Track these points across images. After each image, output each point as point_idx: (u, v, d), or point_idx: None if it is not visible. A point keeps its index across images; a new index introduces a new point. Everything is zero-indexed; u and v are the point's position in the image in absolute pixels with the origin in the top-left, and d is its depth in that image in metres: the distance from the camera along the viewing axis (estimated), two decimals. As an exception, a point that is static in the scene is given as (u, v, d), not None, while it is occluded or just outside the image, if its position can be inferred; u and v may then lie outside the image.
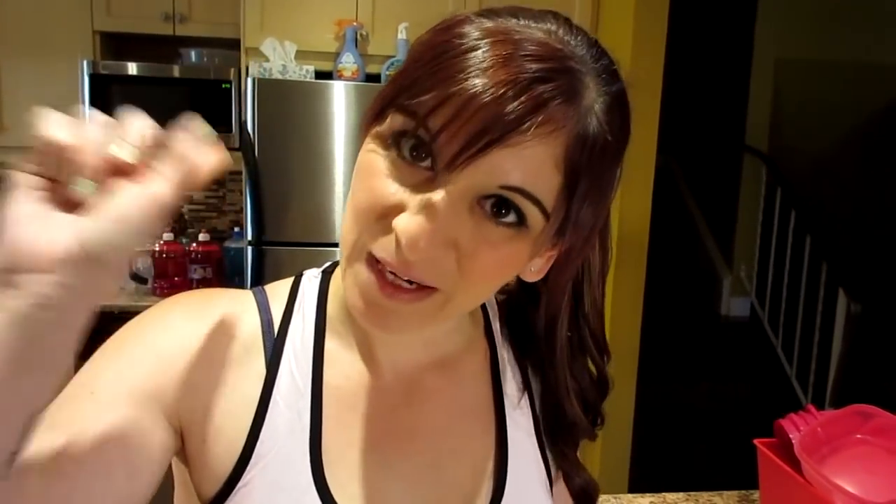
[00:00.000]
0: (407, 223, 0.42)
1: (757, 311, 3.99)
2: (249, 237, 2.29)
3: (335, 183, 2.31)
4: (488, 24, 0.45)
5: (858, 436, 0.86)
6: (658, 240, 2.43)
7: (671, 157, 4.57)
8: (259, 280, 2.28)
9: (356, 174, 0.47)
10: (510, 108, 0.40)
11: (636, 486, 2.36)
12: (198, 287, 2.61)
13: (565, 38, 0.45)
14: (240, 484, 0.50)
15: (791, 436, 0.88)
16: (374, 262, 0.45)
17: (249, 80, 2.22)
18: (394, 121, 0.45)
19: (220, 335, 0.53)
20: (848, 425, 0.87)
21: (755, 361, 3.80)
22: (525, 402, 0.60)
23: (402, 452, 0.55)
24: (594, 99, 0.44)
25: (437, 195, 0.42)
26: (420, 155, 0.44)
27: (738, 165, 4.05)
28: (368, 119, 0.48)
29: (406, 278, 0.45)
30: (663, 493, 1.16)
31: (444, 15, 0.49)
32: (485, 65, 0.41)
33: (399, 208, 0.43)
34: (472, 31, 0.44)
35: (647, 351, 2.39)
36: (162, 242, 2.59)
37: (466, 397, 0.59)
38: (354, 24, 2.40)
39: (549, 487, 0.60)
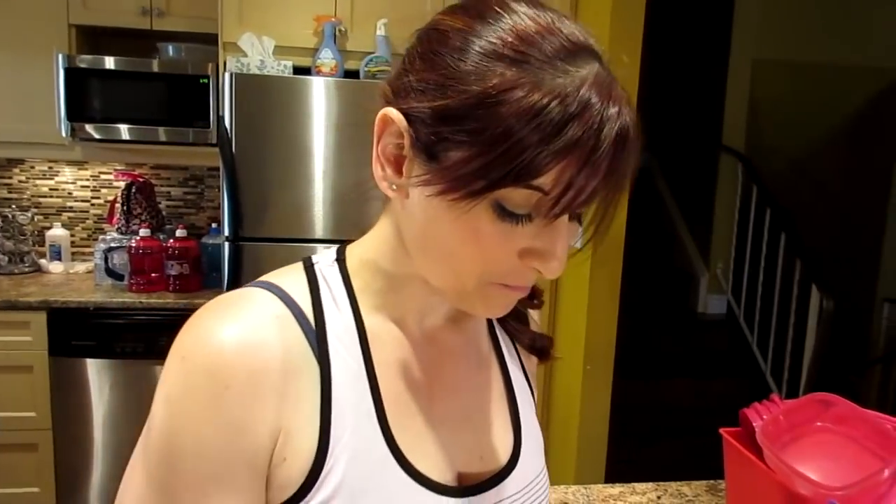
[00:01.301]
0: (548, 266, 0.50)
1: (733, 308, 4.04)
2: (227, 233, 2.28)
3: (313, 179, 2.31)
4: (573, 78, 0.46)
5: (819, 423, 0.88)
6: (636, 238, 2.45)
7: (649, 156, 4.61)
8: (236, 276, 2.27)
9: (461, 241, 0.50)
10: (626, 170, 0.47)
11: (612, 481, 2.38)
12: (175, 283, 2.60)
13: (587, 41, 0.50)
14: (322, 474, 0.52)
15: (754, 424, 0.90)
16: (507, 286, 0.53)
17: (227, 76, 2.21)
18: (514, 195, 0.47)
19: (279, 353, 0.52)
20: (809, 413, 0.89)
21: (731, 358, 3.85)
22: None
23: (443, 408, 0.61)
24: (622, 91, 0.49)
25: (559, 234, 0.50)
26: (531, 216, 0.49)
27: (715, 164, 4.10)
28: (473, 191, 0.47)
29: None
30: (633, 484, 1.18)
31: (423, 12, 0.50)
32: (595, 127, 0.45)
33: (525, 249, 0.50)
34: (568, 89, 0.45)
35: (625, 348, 2.41)
36: (139, 238, 2.58)
37: (479, 350, 0.66)
38: (333, 19, 2.40)
39: (534, 407, 0.69)
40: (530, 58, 0.45)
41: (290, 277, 0.58)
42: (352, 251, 0.61)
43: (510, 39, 0.46)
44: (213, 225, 2.91)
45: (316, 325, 0.55)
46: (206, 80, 2.53)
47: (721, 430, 0.96)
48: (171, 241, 2.62)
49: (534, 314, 0.73)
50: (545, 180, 0.45)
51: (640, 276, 3.37)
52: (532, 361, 0.72)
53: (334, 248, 0.62)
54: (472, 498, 0.59)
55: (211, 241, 2.75)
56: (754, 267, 3.80)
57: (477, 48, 0.47)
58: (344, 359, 0.55)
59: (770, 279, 3.67)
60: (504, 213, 0.47)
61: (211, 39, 2.47)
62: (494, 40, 0.47)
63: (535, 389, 0.72)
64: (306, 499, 0.51)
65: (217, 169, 2.86)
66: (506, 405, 0.66)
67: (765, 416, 0.91)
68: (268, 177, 2.28)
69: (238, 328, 0.51)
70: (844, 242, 4.17)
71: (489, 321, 0.68)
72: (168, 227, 2.87)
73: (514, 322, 0.69)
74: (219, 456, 0.50)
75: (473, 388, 0.64)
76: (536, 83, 0.45)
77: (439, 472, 0.58)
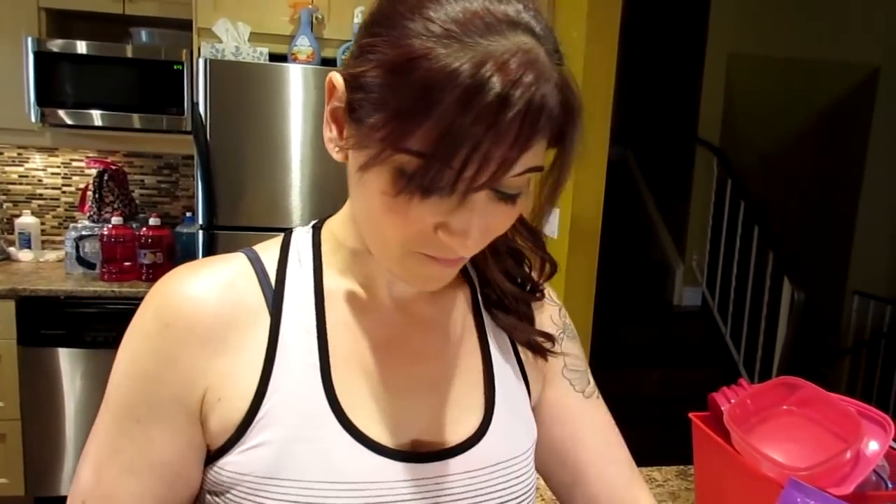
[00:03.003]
0: (462, 243, 0.50)
1: (707, 300, 4.09)
2: (201, 221, 2.25)
3: (289, 167, 2.29)
4: (463, 43, 0.45)
5: (785, 406, 0.90)
6: (612, 229, 2.46)
7: (626, 148, 4.65)
8: (211, 264, 2.25)
9: (380, 208, 0.51)
10: (521, 137, 0.46)
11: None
12: (147, 272, 2.57)
13: (527, 18, 0.48)
14: (257, 417, 0.56)
15: (722, 408, 0.91)
16: (430, 257, 0.53)
17: (202, 62, 2.18)
18: (399, 159, 0.47)
19: (221, 307, 0.57)
20: (775, 397, 0.90)
21: (705, 349, 3.90)
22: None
23: (405, 374, 0.62)
24: (556, 71, 0.48)
25: (470, 211, 0.49)
26: (441, 188, 0.48)
27: (691, 157, 4.14)
28: (368, 162, 0.49)
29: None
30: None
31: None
32: (486, 104, 0.44)
33: (440, 224, 0.50)
34: (474, 60, 0.45)
35: (600, 339, 2.43)
36: (111, 227, 2.54)
37: (455, 325, 0.66)
38: (310, 6, 2.38)
39: (528, 399, 0.69)
40: (449, 32, 0.46)
41: (269, 243, 0.64)
42: (328, 222, 0.65)
43: (431, 13, 0.47)
44: (188, 214, 2.88)
45: (276, 283, 0.60)
46: (180, 67, 2.50)
47: (690, 415, 0.97)
48: (145, 229, 2.58)
49: (549, 307, 0.73)
50: (444, 151, 0.45)
51: (616, 267, 3.39)
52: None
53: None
54: (416, 465, 0.58)
55: (185, 230, 2.72)
56: (728, 259, 3.85)
57: (400, 20, 0.48)
58: (296, 314, 0.59)
59: (744, 271, 3.72)
60: (402, 183, 0.48)
61: (185, 25, 2.44)
62: (416, 13, 0.48)
63: (549, 382, 0.71)
64: (242, 439, 0.56)
65: (192, 157, 2.82)
66: (480, 386, 0.65)
67: (732, 400, 0.92)
68: (243, 165, 2.26)
69: (193, 281, 0.58)
70: (816, 235, 4.24)
71: (475, 306, 0.68)
72: (141, 215, 2.83)
73: (508, 317, 0.68)
74: (151, 382, 0.56)
75: (442, 360, 0.64)
76: (444, 54, 0.45)
77: (386, 434, 0.58)
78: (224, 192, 2.26)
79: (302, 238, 0.64)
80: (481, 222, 0.50)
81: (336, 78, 0.53)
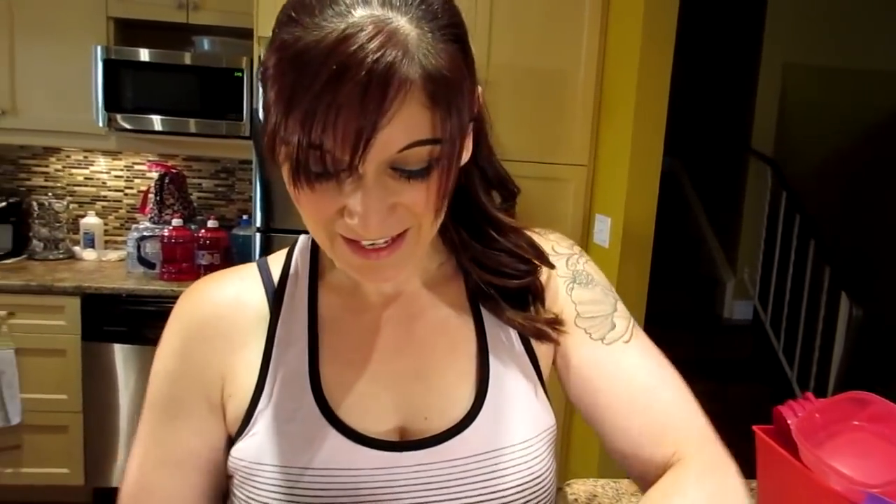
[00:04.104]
0: (363, 224, 0.50)
1: (759, 314, 4.00)
2: (258, 224, 2.31)
3: (344, 173, 2.33)
4: (304, 25, 0.47)
5: (855, 422, 0.88)
6: (662, 242, 2.44)
7: (677, 160, 4.58)
8: (266, 267, 2.30)
9: (296, 201, 0.54)
10: (370, 105, 0.45)
11: (634, 482, 2.37)
12: (205, 273, 2.63)
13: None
14: (257, 409, 0.61)
15: (789, 421, 0.90)
16: (349, 240, 0.54)
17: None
18: (287, 150, 0.49)
19: (231, 311, 0.64)
20: (845, 411, 0.89)
21: (757, 364, 3.81)
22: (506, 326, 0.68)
23: (390, 367, 0.64)
24: (420, 37, 0.48)
25: (361, 191, 0.49)
26: (320, 172, 0.49)
27: (744, 169, 4.06)
28: (269, 158, 0.53)
29: (380, 240, 0.53)
30: (662, 479, 1.18)
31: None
32: (327, 77, 0.45)
33: (342, 208, 0.51)
34: (295, 42, 0.47)
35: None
36: (171, 228, 2.62)
37: (447, 316, 0.67)
38: (367, 16, 2.42)
39: (541, 385, 0.68)
40: (291, 17, 0.48)
41: (280, 252, 0.70)
42: None
43: (290, 4, 0.50)
44: (244, 216, 2.95)
45: (277, 287, 0.66)
46: (240, 74, 2.57)
47: (754, 427, 0.96)
48: (203, 231, 2.66)
49: (554, 274, 0.69)
50: (306, 133, 0.47)
51: (665, 279, 3.35)
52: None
53: None
54: (397, 453, 0.60)
55: (241, 233, 2.79)
56: (782, 273, 3.76)
57: (277, 19, 0.51)
58: (291, 315, 0.64)
59: (798, 285, 3.63)
60: (294, 173, 0.50)
61: (246, 33, 2.51)
62: (285, 7, 0.51)
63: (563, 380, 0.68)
64: (245, 430, 0.61)
65: (248, 162, 2.89)
66: (471, 376, 0.64)
67: (799, 414, 0.91)
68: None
69: (211, 289, 0.65)
70: (875, 249, 4.11)
71: (471, 299, 0.68)
72: (198, 217, 2.92)
73: (505, 310, 0.67)
74: (178, 381, 0.62)
75: (430, 352, 0.65)
76: (291, 40, 0.47)
77: (369, 423, 0.61)
78: (280, 196, 2.31)
79: (303, 244, 0.69)
80: (376, 203, 0.50)
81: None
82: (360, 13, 0.46)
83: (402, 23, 0.47)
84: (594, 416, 0.65)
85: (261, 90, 0.55)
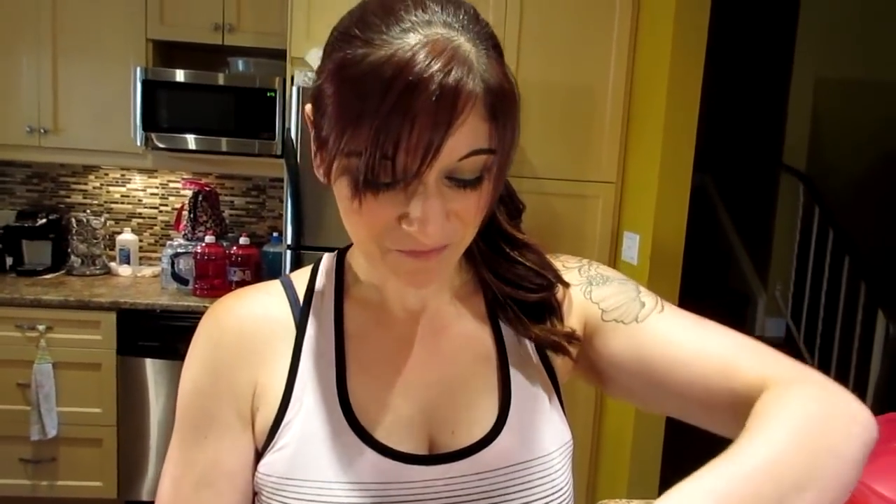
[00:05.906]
0: (423, 230, 0.52)
1: (792, 331, 3.93)
2: (289, 241, 2.35)
3: (373, 190, 2.35)
4: (373, 44, 0.50)
5: (894, 444, 0.86)
6: (693, 258, 2.42)
7: (707, 175, 4.55)
8: (297, 283, 2.33)
9: (349, 214, 0.55)
10: (441, 116, 0.48)
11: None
12: (236, 288, 2.67)
13: (443, 18, 0.51)
14: (284, 422, 0.62)
15: (826, 442, 0.88)
16: (405, 253, 0.55)
17: (294, 89, 2.28)
18: (350, 163, 0.52)
19: (258, 326, 0.65)
20: (883, 433, 0.87)
21: (789, 383, 3.73)
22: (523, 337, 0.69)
23: (416, 380, 0.65)
24: (478, 55, 0.51)
25: (423, 197, 0.52)
26: (388, 182, 0.51)
27: (775, 184, 4.01)
28: (329, 172, 0.55)
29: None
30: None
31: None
32: (401, 90, 0.48)
33: (401, 217, 0.53)
34: (368, 58, 0.49)
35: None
36: (204, 245, 2.67)
37: (471, 330, 0.68)
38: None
39: (557, 398, 0.69)
40: (362, 36, 0.50)
41: (304, 269, 0.71)
42: (353, 246, 0.69)
43: (352, 23, 0.52)
44: (274, 234, 2.99)
45: (303, 303, 0.67)
46: (273, 94, 2.62)
47: (790, 448, 0.94)
48: (235, 248, 2.71)
49: (572, 286, 0.70)
50: (377, 145, 0.49)
51: (695, 295, 3.31)
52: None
53: None
54: (426, 466, 0.61)
55: (271, 250, 2.83)
56: (815, 289, 3.70)
57: (331, 40, 0.54)
58: (318, 328, 0.65)
59: (832, 302, 3.56)
60: (358, 183, 0.51)
61: (279, 54, 2.56)
62: (338, 30, 0.54)
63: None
64: (271, 444, 0.61)
65: (279, 180, 2.94)
66: (494, 389, 0.66)
67: (837, 435, 0.89)
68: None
69: (236, 306, 0.66)
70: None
71: (490, 313, 0.69)
72: (230, 234, 2.97)
73: (523, 325, 0.67)
74: (209, 397, 0.63)
75: (454, 365, 0.66)
76: (361, 55, 0.49)
77: (396, 437, 0.62)
78: (311, 214, 2.35)
79: (328, 262, 0.70)
80: (437, 209, 0.52)
81: (307, 109, 0.58)
82: (425, 32, 0.50)
83: (463, 41, 0.51)
84: (656, 394, 0.63)
85: (307, 106, 0.57)
